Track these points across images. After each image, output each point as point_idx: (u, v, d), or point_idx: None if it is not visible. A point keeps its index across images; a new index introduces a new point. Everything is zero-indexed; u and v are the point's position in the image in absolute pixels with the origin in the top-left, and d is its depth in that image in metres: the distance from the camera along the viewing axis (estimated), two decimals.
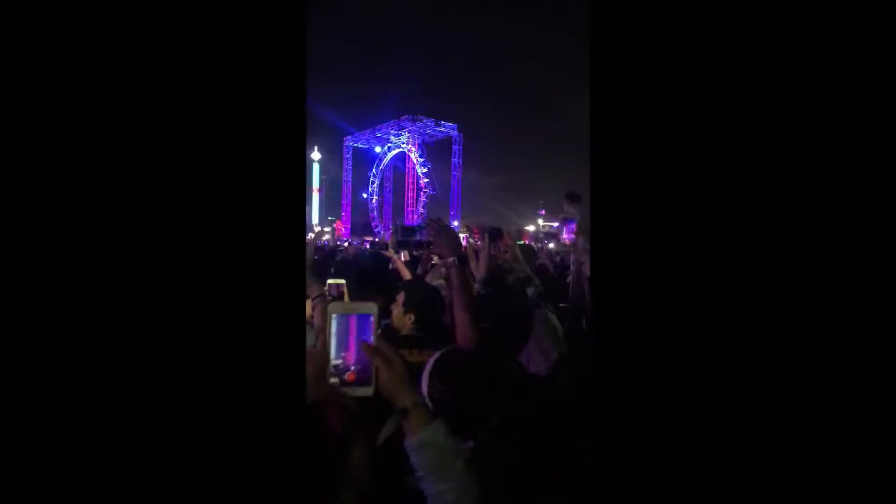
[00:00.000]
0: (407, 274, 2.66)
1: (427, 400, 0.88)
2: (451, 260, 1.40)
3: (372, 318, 0.73)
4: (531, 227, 21.12)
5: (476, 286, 1.61)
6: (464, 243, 1.58)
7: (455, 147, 32.50)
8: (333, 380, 0.71)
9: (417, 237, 1.62)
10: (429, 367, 0.99)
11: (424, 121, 31.28)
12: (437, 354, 1.01)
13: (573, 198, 1.97)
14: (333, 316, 0.72)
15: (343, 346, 0.72)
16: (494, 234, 1.89)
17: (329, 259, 5.42)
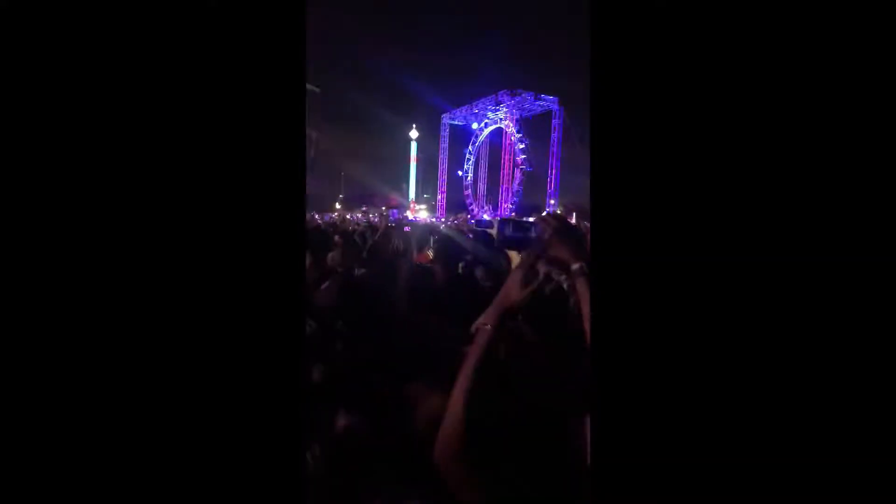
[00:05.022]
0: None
1: None
2: (576, 267, 1.13)
3: None
4: None
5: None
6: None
7: (555, 122, 30.90)
8: None
9: (532, 233, 1.27)
10: None
11: (523, 94, 30.06)
12: None
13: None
14: None
15: None
16: None
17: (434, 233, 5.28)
